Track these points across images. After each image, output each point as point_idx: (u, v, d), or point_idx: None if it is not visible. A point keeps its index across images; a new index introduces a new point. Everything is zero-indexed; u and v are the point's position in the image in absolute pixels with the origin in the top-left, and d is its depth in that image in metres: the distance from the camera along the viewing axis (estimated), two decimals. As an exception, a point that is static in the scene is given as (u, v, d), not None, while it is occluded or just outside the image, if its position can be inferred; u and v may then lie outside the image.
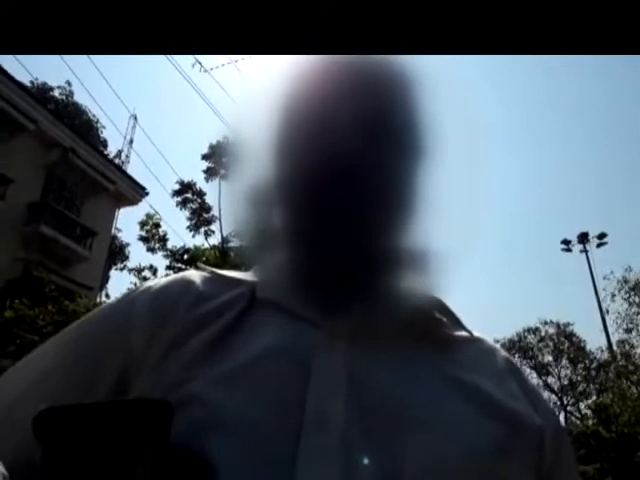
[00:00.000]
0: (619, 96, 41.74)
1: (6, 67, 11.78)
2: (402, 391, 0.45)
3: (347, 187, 0.48)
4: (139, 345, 0.49)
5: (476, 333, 0.55)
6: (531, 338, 23.33)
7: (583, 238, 18.84)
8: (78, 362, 0.50)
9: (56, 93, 20.16)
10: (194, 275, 0.56)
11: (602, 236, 18.72)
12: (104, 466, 0.36)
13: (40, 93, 17.94)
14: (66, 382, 0.49)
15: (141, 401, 0.39)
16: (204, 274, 0.56)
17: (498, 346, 0.56)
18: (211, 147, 12.13)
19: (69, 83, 19.92)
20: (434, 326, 0.52)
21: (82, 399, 0.44)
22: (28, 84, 16.56)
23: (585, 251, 18.53)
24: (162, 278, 0.57)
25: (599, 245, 18.71)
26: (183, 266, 11.52)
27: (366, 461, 0.41)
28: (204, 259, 11.01)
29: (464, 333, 0.54)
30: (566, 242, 19.30)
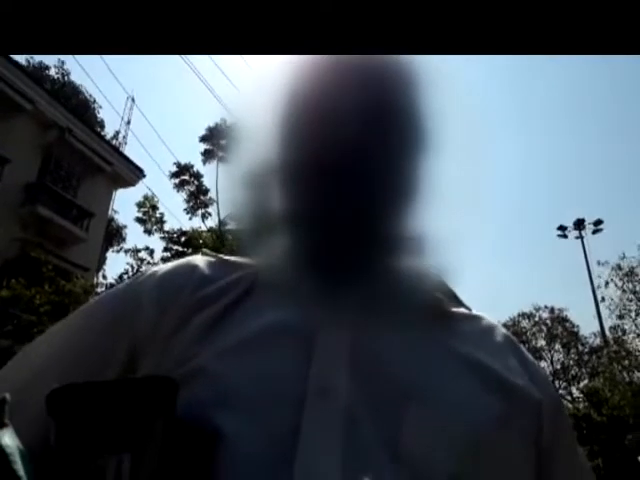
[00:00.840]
0: (620, 83, 41.42)
1: (1, 45, 11.64)
2: (405, 365, 0.46)
3: (349, 169, 0.48)
4: (146, 329, 0.50)
5: (475, 311, 0.56)
6: (525, 323, 23.51)
7: (579, 224, 18.88)
8: (87, 346, 0.52)
9: (52, 72, 19.96)
10: (198, 260, 0.57)
11: (598, 223, 18.77)
12: (114, 441, 0.37)
13: (36, 72, 17.75)
14: (75, 366, 0.50)
15: (147, 378, 0.41)
16: (208, 259, 0.57)
17: (497, 323, 0.57)
18: (209, 129, 12.08)
19: (62, 62, 19.71)
20: (435, 304, 0.53)
21: (94, 380, 0.46)
22: (24, 63, 16.39)
23: (581, 237, 18.60)
24: (168, 263, 0.58)
25: (595, 232, 18.77)
26: (180, 248, 11.53)
27: (368, 432, 0.41)
28: (201, 241, 11.02)
29: (464, 310, 0.55)
30: (562, 228, 19.33)
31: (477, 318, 0.55)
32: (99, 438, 0.37)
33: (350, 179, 0.48)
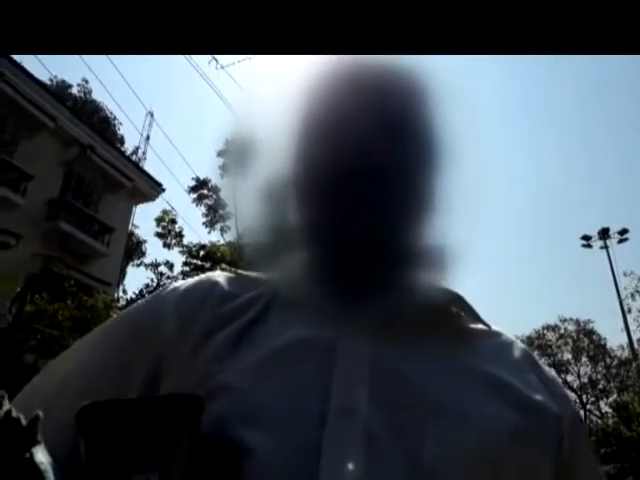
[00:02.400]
0: (642, 89, 40.77)
1: (26, 65, 11.98)
2: (424, 381, 0.46)
3: (367, 184, 0.48)
4: (168, 344, 0.50)
5: (494, 327, 0.55)
6: (550, 335, 23.07)
7: (604, 234, 18.47)
8: (110, 361, 0.53)
9: (74, 90, 20.43)
10: (218, 276, 0.58)
11: (623, 232, 18.34)
12: (142, 460, 0.37)
13: (59, 91, 18.19)
14: (99, 381, 0.51)
15: (173, 396, 0.41)
16: (228, 275, 0.58)
17: (516, 339, 0.57)
18: (226, 143, 12.16)
19: (86, 81, 20.16)
20: (454, 320, 0.53)
21: (117, 394, 0.47)
22: (47, 82, 16.81)
23: (606, 247, 18.18)
24: (188, 279, 0.59)
25: (620, 241, 18.33)
26: (199, 262, 11.59)
27: (389, 448, 0.41)
28: (220, 255, 11.06)
29: (482, 326, 0.55)
30: (586, 238, 18.93)
31: (495, 334, 0.55)
32: (128, 457, 0.38)
33: (368, 193, 0.49)
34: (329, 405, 0.43)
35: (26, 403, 0.50)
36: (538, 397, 0.49)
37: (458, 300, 0.54)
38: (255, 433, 0.42)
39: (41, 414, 0.39)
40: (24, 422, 0.38)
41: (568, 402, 0.53)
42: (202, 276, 0.59)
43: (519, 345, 0.55)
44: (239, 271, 0.59)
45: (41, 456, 0.37)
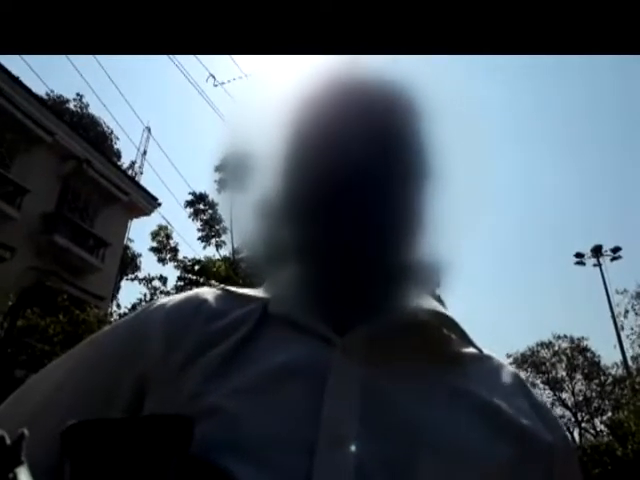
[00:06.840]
0: (637, 103, 41.30)
1: (24, 80, 12.04)
2: (416, 410, 0.45)
3: (359, 203, 0.48)
4: (153, 361, 0.49)
5: (485, 350, 0.55)
6: (544, 353, 22.97)
7: (597, 252, 18.54)
8: (94, 378, 0.52)
9: (71, 105, 20.51)
10: (206, 292, 0.57)
11: (616, 250, 18.42)
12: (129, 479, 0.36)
13: (56, 105, 18.26)
14: (82, 398, 0.50)
15: (165, 417, 0.40)
16: (216, 291, 0.57)
17: (507, 363, 0.56)
18: (223, 159, 12.18)
19: (80, 96, 20.24)
20: (445, 343, 0.53)
21: (100, 412, 0.47)
22: (44, 96, 16.87)
23: (599, 265, 18.24)
24: (176, 295, 0.58)
25: (613, 259, 18.41)
26: (194, 277, 11.54)
27: None
28: (215, 270, 11.03)
29: (473, 350, 0.54)
30: (579, 255, 18.99)
31: (487, 359, 0.54)
32: (113, 477, 0.36)
33: (363, 210, 0.48)
34: (319, 433, 0.42)
35: (5, 420, 0.49)
36: (530, 425, 0.48)
37: (450, 322, 0.53)
38: (242, 462, 0.41)
39: (27, 432, 0.36)
40: (8, 441, 0.35)
41: (559, 429, 0.52)
42: (190, 292, 0.58)
43: (510, 370, 0.55)
44: (228, 287, 0.58)
45: (24, 478, 0.35)
